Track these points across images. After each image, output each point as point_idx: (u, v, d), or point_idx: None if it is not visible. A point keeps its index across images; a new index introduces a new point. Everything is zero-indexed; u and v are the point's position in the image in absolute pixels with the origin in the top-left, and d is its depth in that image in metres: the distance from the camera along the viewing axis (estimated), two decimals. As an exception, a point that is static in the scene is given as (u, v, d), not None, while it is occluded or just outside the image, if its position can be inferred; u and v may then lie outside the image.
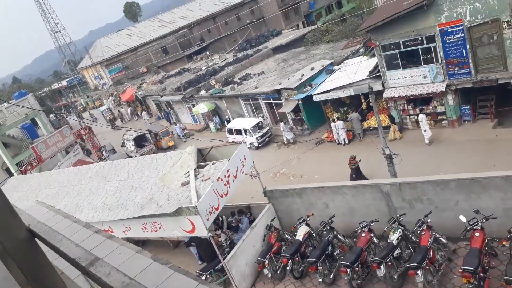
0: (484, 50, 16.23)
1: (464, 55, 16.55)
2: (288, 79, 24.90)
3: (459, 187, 10.23)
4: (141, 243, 15.92)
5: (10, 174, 27.07)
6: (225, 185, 11.50)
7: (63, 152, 31.84)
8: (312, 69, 24.82)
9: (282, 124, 24.09)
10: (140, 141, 30.60)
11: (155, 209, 11.33)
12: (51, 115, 52.46)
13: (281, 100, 24.81)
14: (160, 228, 11.68)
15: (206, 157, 13.94)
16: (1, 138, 29.37)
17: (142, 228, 12.08)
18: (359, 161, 16.52)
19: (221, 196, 11.32)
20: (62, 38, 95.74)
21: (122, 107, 47.86)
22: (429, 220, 10.07)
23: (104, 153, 31.52)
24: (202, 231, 10.86)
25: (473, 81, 16.88)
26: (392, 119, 19.77)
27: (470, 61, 16.53)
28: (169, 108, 37.62)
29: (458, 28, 16.19)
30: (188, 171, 12.35)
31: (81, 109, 58.19)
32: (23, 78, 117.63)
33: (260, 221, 13.06)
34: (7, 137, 30.32)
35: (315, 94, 22.00)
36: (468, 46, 16.29)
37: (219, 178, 11.31)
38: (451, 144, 17.37)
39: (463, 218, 9.27)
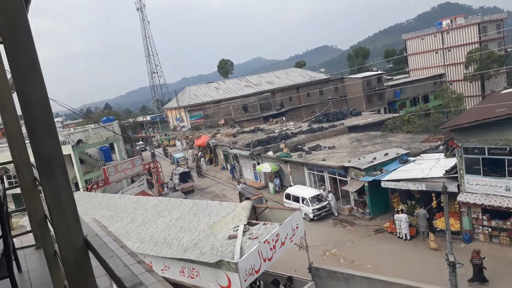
0: None
1: (558, 176, 15.13)
2: (359, 159, 24.49)
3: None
4: (175, 286, 15.72)
5: (77, 188, 29.02)
6: (271, 249, 11.18)
7: (129, 180, 33.69)
8: (386, 154, 24.23)
9: (330, 194, 24.27)
10: (184, 177, 35.01)
11: (197, 255, 11.26)
12: (129, 145, 56.36)
13: (347, 178, 24.29)
14: (197, 276, 11.51)
15: (258, 216, 13.82)
16: (80, 154, 31.98)
17: (180, 271, 11.99)
18: (484, 258, 15.05)
19: (264, 260, 10.97)
20: (158, 79, 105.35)
21: (193, 150, 49.94)
22: None
23: (165, 189, 32.78)
24: (237, 291, 10.47)
25: None
26: (432, 227, 18.35)
27: None
28: (235, 161, 38.62)
29: (554, 147, 15.00)
30: (238, 226, 12.27)
31: (156, 144, 61.88)
32: (114, 106, 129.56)
33: (299, 298, 12.33)
34: (85, 155, 32.94)
35: (384, 180, 21.23)
36: None
37: (266, 240, 11.06)
38: (528, 270, 15.39)
39: None
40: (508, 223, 17.21)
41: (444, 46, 70.20)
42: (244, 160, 36.87)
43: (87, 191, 25.68)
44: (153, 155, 38.38)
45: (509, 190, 16.63)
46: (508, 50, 71.10)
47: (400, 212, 20.28)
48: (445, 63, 70.20)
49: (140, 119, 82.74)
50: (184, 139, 57.52)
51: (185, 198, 21.97)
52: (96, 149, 35.09)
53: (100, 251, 1.88)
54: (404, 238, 19.89)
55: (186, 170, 35.23)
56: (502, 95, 23.06)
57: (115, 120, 44.74)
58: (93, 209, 17.57)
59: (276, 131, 40.98)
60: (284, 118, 51.82)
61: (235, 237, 11.64)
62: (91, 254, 1.97)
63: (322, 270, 12.94)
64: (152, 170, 33.67)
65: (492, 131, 16.54)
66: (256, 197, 25.10)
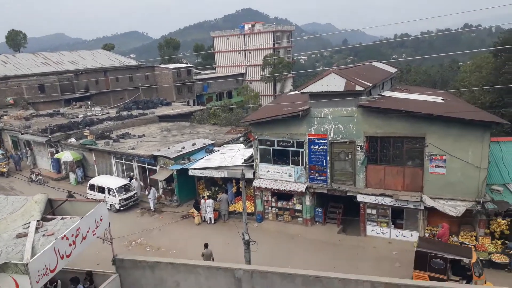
0: (340, 164, 18.88)
1: (324, 164, 18.97)
2: (168, 148, 24.87)
3: (303, 283, 10.93)
4: None
5: None
6: (70, 245, 10.28)
7: None
8: (194, 144, 25.38)
9: (153, 189, 23.44)
10: None
11: (-27, 260, 9.39)
12: None
13: (156, 166, 24.33)
14: (-28, 284, 9.60)
15: (56, 210, 12.47)
16: None
17: None
18: None
19: (62, 257, 10.02)
20: None
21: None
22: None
23: None
24: (26, 295, 9.24)
25: (328, 188, 19.21)
26: (197, 206, 21.56)
27: (328, 171, 18.97)
28: (27, 148, 33.55)
29: (323, 141, 18.73)
30: (29, 222, 10.81)
31: None
32: None
33: (101, 292, 11.76)
34: None
35: (192, 169, 22.26)
36: (328, 158, 18.79)
37: (65, 236, 10.11)
38: (301, 240, 18.83)
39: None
40: (290, 204, 20.62)
41: (246, 48, 77.65)
42: (40, 148, 32.44)
43: None
44: None
45: (291, 176, 19.93)
46: (295, 58, 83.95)
47: (207, 198, 21.71)
48: (246, 64, 77.80)
49: None
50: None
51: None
52: None
53: None
54: (208, 221, 21.37)
55: None
56: (288, 96, 27.27)
57: None
58: None
59: (79, 116, 37.62)
60: (89, 102, 47.75)
61: (25, 235, 10.21)
62: None
63: (127, 261, 12.66)
64: None
65: (281, 126, 19.44)
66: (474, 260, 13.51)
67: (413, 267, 14.09)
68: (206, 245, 16.42)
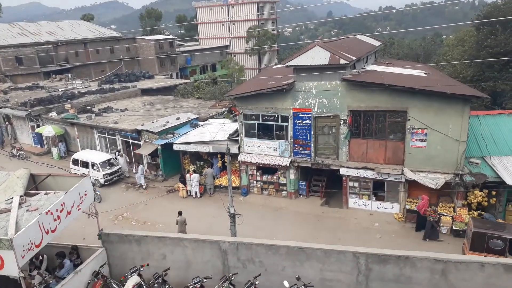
0: (324, 138, 19.08)
1: (308, 138, 19.14)
2: (152, 122, 24.65)
3: (287, 253, 11.23)
4: None
5: None
6: (54, 220, 10.27)
7: None
8: (178, 118, 25.18)
9: (140, 166, 23.27)
10: None
11: (-44, 237, 9.32)
12: None
13: (140, 141, 24.16)
14: (-44, 261, 9.55)
15: (39, 185, 12.36)
16: None
17: None
18: (440, 216, 16.53)
19: (47, 232, 10.02)
20: None
21: None
22: (257, 282, 10.67)
23: None
24: (12, 270, 9.27)
25: (312, 162, 19.47)
26: (183, 181, 21.65)
27: (312, 145, 19.17)
28: (7, 123, 32.76)
29: (307, 115, 18.82)
30: (12, 197, 10.72)
31: None
32: None
33: (87, 266, 11.86)
34: None
35: (176, 143, 22.20)
36: (312, 132, 18.94)
37: (49, 211, 10.08)
38: (286, 213, 19.21)
39: (286, 284, 10.11)
40: (275, 177, 20.88)
41: (230, 20, 76.01)
42: (20, 122, 31.74)
43: None
44: None
45: (276, 151, 20.09)
46: (279, 30, 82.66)
47: (192, 172, 21.78)
48: (230, 36, 76.36)
49: None
50: None
51: None
52: None
53: None
54: (194, 196, 21.54)
55: None
56: (273, 69, 27.07)
57: None
58: None
59: (60, 90, 36.72)
60: (69, 75, 46.55)
61: (8, 210, 10.15)
62: None
63: (113, 235, 12.74)
64: None
65: (266, 100, 19.40)
66: None
67: (468, 249, 13.68)
68: (180, 213, 17.05)
